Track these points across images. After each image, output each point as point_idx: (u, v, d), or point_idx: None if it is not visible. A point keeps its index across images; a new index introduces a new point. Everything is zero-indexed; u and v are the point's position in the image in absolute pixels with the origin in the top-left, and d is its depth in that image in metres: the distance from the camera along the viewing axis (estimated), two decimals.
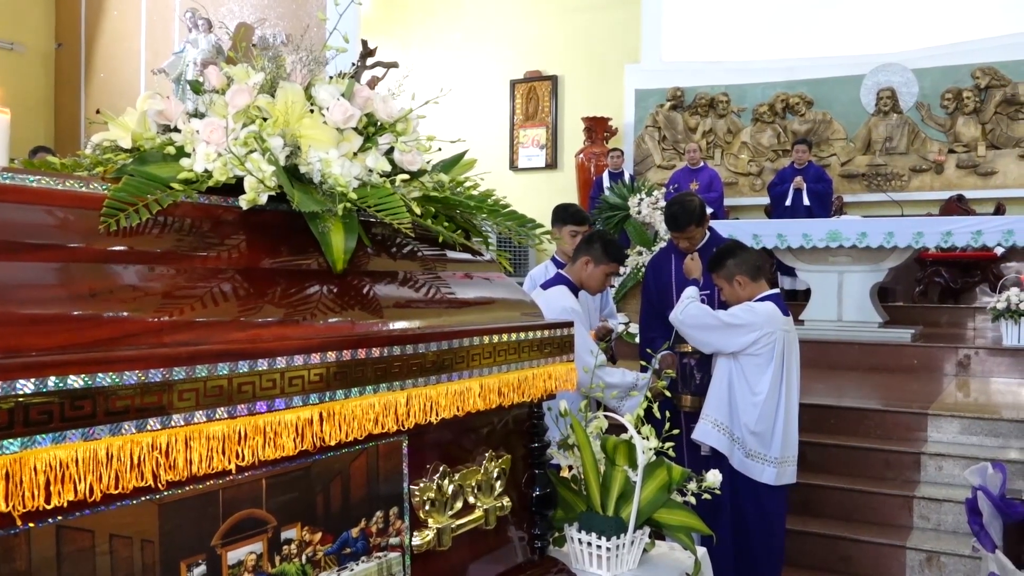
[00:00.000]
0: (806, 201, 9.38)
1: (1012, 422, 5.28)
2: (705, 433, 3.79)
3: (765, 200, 10.50)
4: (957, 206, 9.71)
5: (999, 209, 9.51)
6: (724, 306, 4.02)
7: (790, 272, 8.77)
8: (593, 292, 3.86)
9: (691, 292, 3.96)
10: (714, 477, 2.29)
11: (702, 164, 10.39)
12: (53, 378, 1.05)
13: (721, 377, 3.82)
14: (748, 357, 3.73)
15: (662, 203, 8.80)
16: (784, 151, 11.10)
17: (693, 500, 2.28)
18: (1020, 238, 7.21)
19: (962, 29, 10.39)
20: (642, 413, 2.28)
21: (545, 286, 3.83)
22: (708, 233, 4.39)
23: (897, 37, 10.71)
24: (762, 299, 3.75)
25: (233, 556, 1.33)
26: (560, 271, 3.93)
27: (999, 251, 8.57)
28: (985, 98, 10.30)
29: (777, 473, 3.72)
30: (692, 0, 11.83)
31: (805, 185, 9.41)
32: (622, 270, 8.69)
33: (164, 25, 12.00)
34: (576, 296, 3.76)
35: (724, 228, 8.55)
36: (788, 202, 9.49)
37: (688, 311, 3.85)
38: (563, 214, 4.44)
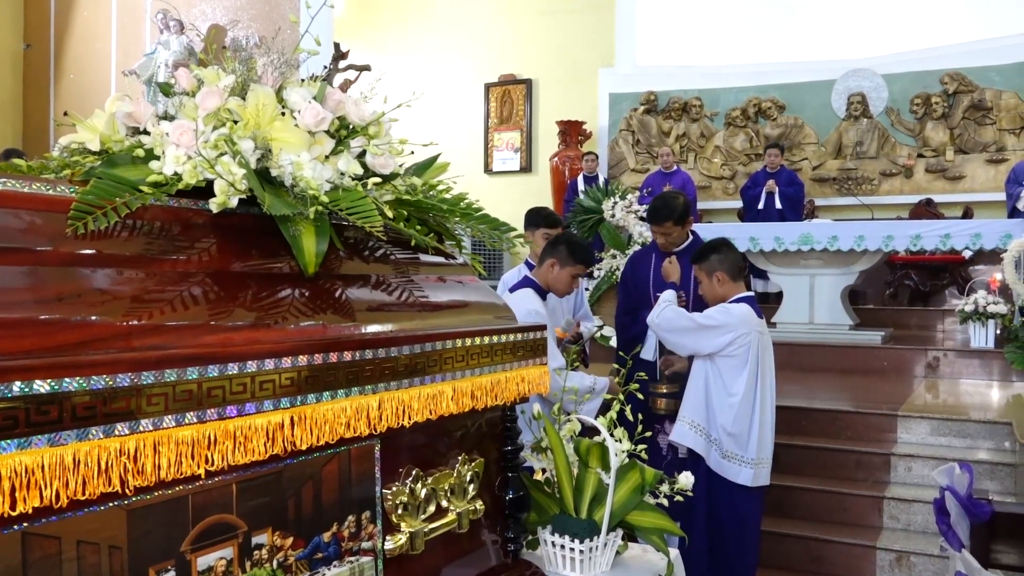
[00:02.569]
0: (778, 205, 9.49)
1: (980, 423, 5.36)
2: (682, 434, 3.81)
3: (738, 204, 10.59)
4: (926, 210, 9.85)
5: (967, 213, 9.66)
6: (700, 305, 4.04)
7: (762, 275, 8.85)
8: (560, 294, 3.86)
9: (668, 296, 3.96)
10: (686, 479, 2.30)
11: (675, 168, 10.46)
12: (18, 383, 1.04)
13: (698, 378, 3.84)
14: (724, 358, 3.76)
15: (636, 206, 8.86)
16: (757, 155, 11.20)
17: (665, 502, 2.29)
18: (987, 241, 7.33)
19: (931, 35, 10.55)
20: (615, 416, 2.29)
21: (513, 289, 3.83)
22: (691, 236, 4.41)
23: (867, 43, 10.85)
24: (737, 300, 3.78)
25: (203, 562, 1.32)
26: (528, 274, 3.93)
27: (967, 254, 8.70)
28: (953, 103, 10.45)
29: (754, 474, 3.75)
30: (665, 5, 11.91)
31: (777, 189, 9.52)
32: (596, 272, 8.73)
33: (135, 26, 11.88)
34: (544, 299, 3.76)
35: (697, 232, 8.61)
36: (760, 206, 9.60)
37: (664, 315, 3.87)
38: (536, 217, 4.45)
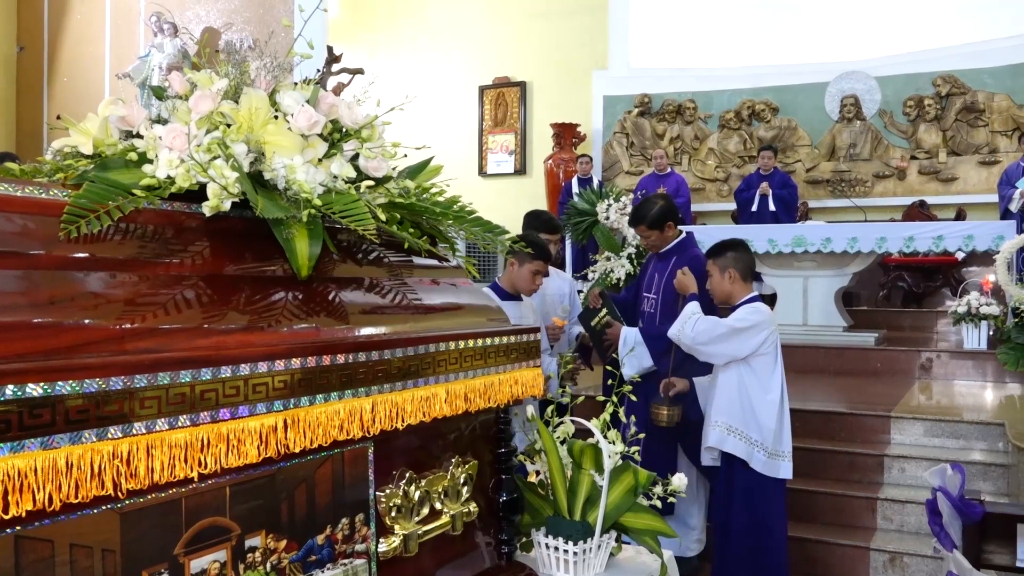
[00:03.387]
0: (772, 207, 9.52)
1: (973, 424, 5.38)
2: (721, 440, 3.75)
3: (732, 206, 10.61)
4: (919, 212, 9.88)
5: (960, 214, 9.69)
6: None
7: (756, 277, 8.85)
8: (526, 292, 3.88)
9: (693, 308, 3.85)
10: (679, 480, 2.31)
11: (669, 170, 10.47)
12: (11, 386, 1.04)
13: (729, 382, 3.80)
14: (758, 358, 3.76)
15: (630, 209, 8.86)
16: (750, 157, 11.23)
17: (659, 504, 2.29)
18: (980, 243, 7.35)
19: (923, 38, 10.59)
20: (608, 418, 2.29)
21: None
22: (683, 235, 4.42)
23: (860, 45, 10.89)
24: (750, 300, 3.80)
25: (196, 565, 1.32)
26: (497, 278, 3.98)
27: (960, 256, 8.70)
28: (946, 105, 10.49)
29: (791, 466, 3.78)
30: (659, 8, 11.94)
31: (771, 191, 9.54)
32: (590, 275, 8.74)
33: (129, 29, 11.86)
34: (519, 299, 3.83)
35: (692, 231, 8.63)
36: (754, 208, 9.62)
37: (697, 327, 3.77)
38: (535, 222, 4.45)
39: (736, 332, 3.73)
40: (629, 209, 8.82)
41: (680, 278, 4.06)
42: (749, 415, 3.75)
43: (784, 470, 3.78)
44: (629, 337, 4.21)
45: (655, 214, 4.30)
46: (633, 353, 4.10)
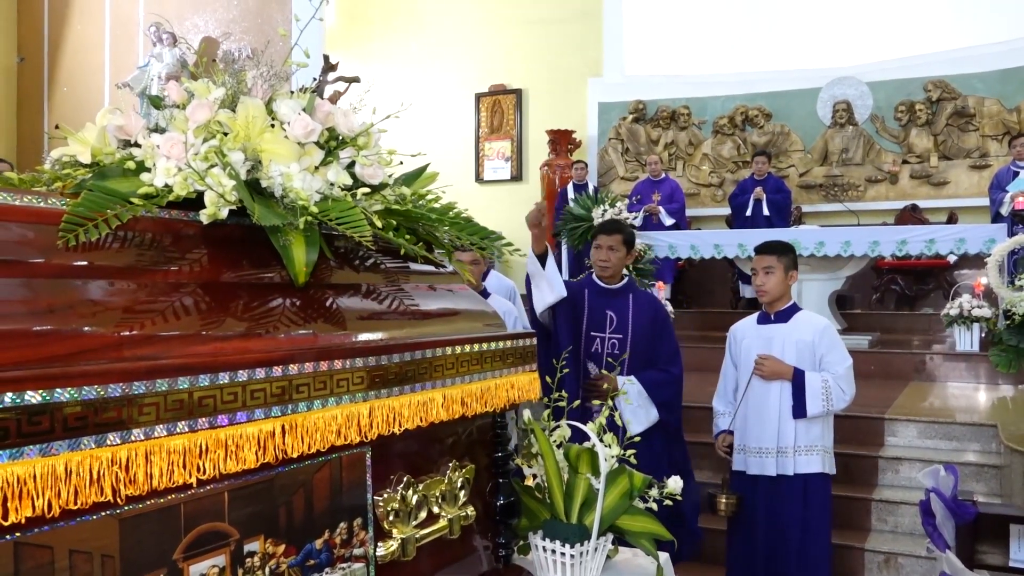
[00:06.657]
0: (766, 211, 9.55)
1: (966, 425, 5.40)
2: (821, 462, 3.86)
3: (726, 210, 10.64)
4: (911, 215, 9.92)
5: (951, 218, 9.73)
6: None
7: (750, 281, 8.88)
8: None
9: (817, 377, 3.79)
10: (675, 483, 2.32)
11: (664, 176, 10.51)
12: (10, 394, 1.04)
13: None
14: None
15: (625, 214, 8.89)
16: (744, 162, 11.26)
17: (654, 506, 2.31)
18: (972, 246, 7.39)
19: (914, 43, 10.64)
20: (604, 421, 2.30)
21: None
22: (627, 277, 4.31)
23: (852, 51, 10.93)
24: (794, 307, 3.87)
25: (195, 570, 1.32)
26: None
27: (952, 259, 8.76)
28: (937, 110, 10.53)
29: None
30: (653, 15, 11.98)
31: (765, 196, 9.58)
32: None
33: (128, 39, 11.87)
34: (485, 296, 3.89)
35: (686, 238, 8.66)
36: (748, 212, 9.66)
37: (845, 391, 3.78)
38: None
39: (851, 364, 3.80)
40: (624, 215, 8.85)
41: (774, 367, 3.86)
42: (831, 427, 3.86)
43: (830, 464, 3.91)
44: (631, 390, 3.96)
45: (631, 234, 4.25)
46: (638, 407, 3.96)
